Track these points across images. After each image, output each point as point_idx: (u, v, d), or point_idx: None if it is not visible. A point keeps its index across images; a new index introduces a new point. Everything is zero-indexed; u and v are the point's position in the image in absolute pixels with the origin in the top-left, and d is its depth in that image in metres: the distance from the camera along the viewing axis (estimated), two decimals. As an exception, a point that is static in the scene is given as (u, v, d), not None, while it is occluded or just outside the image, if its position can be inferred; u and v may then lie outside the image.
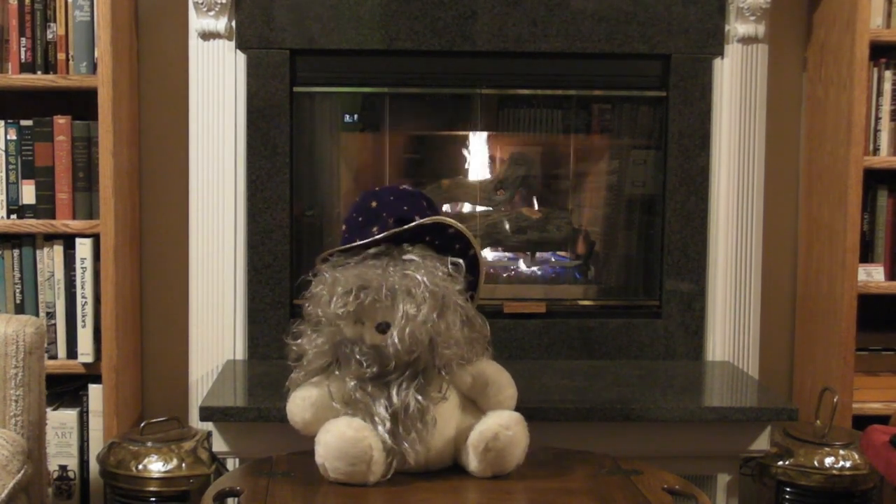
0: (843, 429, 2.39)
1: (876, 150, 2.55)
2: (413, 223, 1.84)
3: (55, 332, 2.45)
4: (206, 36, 2.52)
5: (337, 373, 1.83)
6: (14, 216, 2.44)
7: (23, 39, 2.42)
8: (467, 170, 2.87)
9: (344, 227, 1.92)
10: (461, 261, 1.85)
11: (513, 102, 2.75)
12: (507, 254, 2.89)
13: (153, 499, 2.18)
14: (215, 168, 2.55)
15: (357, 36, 2.55)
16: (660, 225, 2.66)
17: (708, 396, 2.44)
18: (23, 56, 2.42)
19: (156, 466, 2.17)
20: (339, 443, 1.73)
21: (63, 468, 2.49)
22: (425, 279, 1.76)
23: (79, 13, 2.41)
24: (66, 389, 2.52)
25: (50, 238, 2.45)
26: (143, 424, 2.28)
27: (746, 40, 2.58)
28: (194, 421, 2.42)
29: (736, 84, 2.59)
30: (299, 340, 1.86)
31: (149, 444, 2.21)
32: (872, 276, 2.55)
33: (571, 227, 2.86)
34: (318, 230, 2.73)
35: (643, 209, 2.75)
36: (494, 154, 2.87)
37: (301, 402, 1.84)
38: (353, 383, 1.79)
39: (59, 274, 2.44)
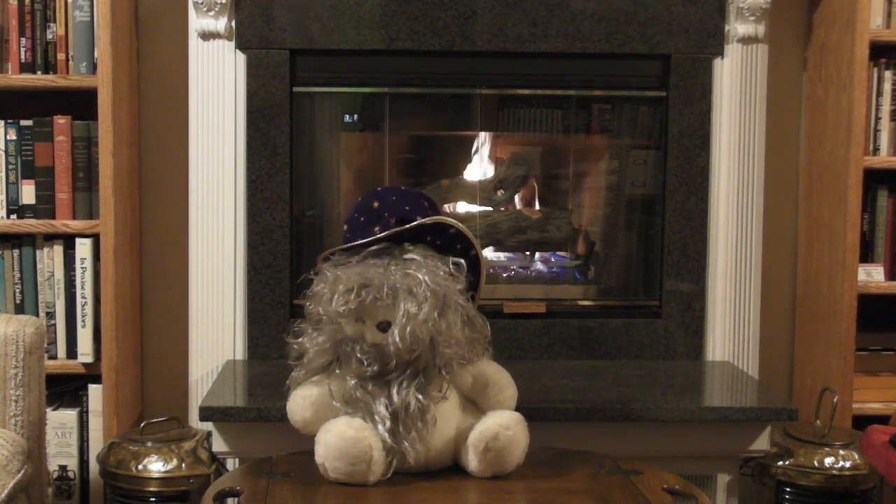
0: (843, 429, 2.39)
1: (876, 150, 2.55)
2: (414, 223, 1.84)
3: (55, 332, 2.45)
4: (206, 36, 2.52)
5: (337, 371, 1.83)
6: (14, 216, 2.44)
7: (23, 39, 2.42)
8: (467, 170, 2.87)
9: (346, 227, 1.92)
10: (462, 261, 1.85)
11: (513, 102, 2.75)
12: (507, 254, 2.89)
13: (153, 499, 2.17)
14: (215, 168, 2.55)
15: (357, 36, 2.55)
16: (660, 225, 2.66)
17: (708, 396, 2.44)
18: (23, 56, 2.42)
19: (156, 466, 2.17)
20: (340, 442, 1.73)
21: (63, 468, 2.49)
22: (427, 278, 1.76)
23: (79, 13, 2.41)
24: (66, 389, 2.52)
25: (50, 238, 2.45)
26: (143, 424, 2.27)
27: (746, 40, 2.58)
28: (194, 421, 2.42)
29: (736, 84, 2.59)
30: (300, 339, 1.86)
31: (149, 444, 2.20)
32: (872, 276, 2.55)
33: (571, 227, 2.86)
34: (318, 230, 2.73)
35: (643, 209, 2.75)
36: (494, 154, 2.87)
37: (301, 401, 1.84)
38: (353, 382, 1.79)
39: (59, 274, 2.44)
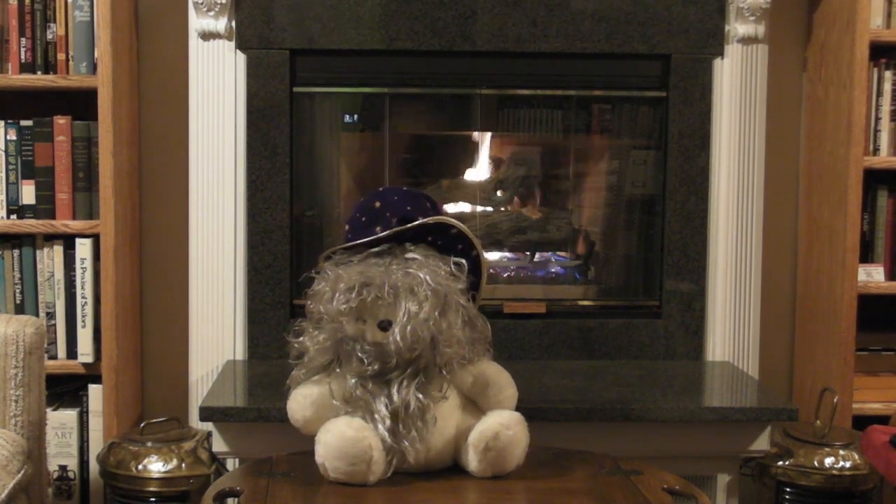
0: (843, 429, 2.39)
1: (876, 151, 2.55)
2: (416, 222, 1.84)
3: (55, 333, 2.45)
4: (206, 36, 2.52)
5: (338, 370, 1.83)
6: (14, 216, 2.44)
7: (23, 39, 2.42)
8: (467, 170, 2.87)
9: (347, 226, 1.92)
10: (463, 261, 1.85)
11: (513, 102, 2.75)
12: (507, 254, 2.89)
13: (153, 499, 2.17)
14: (215, 168, 2.55)
15: (357, 36, 2.55)
16: (660, 225, 2.66)
17: (708, 396, 2.44)
18: (23, 56, 2.42)
19: (156, 467, 2.17)
20: (340, 442, 1.73)
21: (63, 468, 2.49)
22: (428, 277, 1.77)
23: (79, 13, 2.41)
24: (66, 389, 2.52)
25: (50, 238, 2.45)
26: (143, 425, 2.27)
27: (746, 40, 2.58)
28: (194, 421, 2.42)
29: (736, 84, 2.59)
30: (301, 338, 1.86)
31: (149, 444, 2.20)
32: (872, 276, 2.55)
33: (571, 228, 2.87)
34: (318, 230, 2.73)
35: (643, 209, 2.75)
36: (494, 154, 2.87)
37: (302, 400, 1.84)
38: (353, 381, 1.80)
39: (59, 274, 2.44)
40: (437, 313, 1.76)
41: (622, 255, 2.80)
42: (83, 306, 2.43)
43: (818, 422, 2.34)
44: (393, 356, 1.76)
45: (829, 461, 2.22)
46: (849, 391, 2.51)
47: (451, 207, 2.84)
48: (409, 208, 1.87)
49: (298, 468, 1.85)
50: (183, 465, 2.18)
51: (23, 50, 2.42)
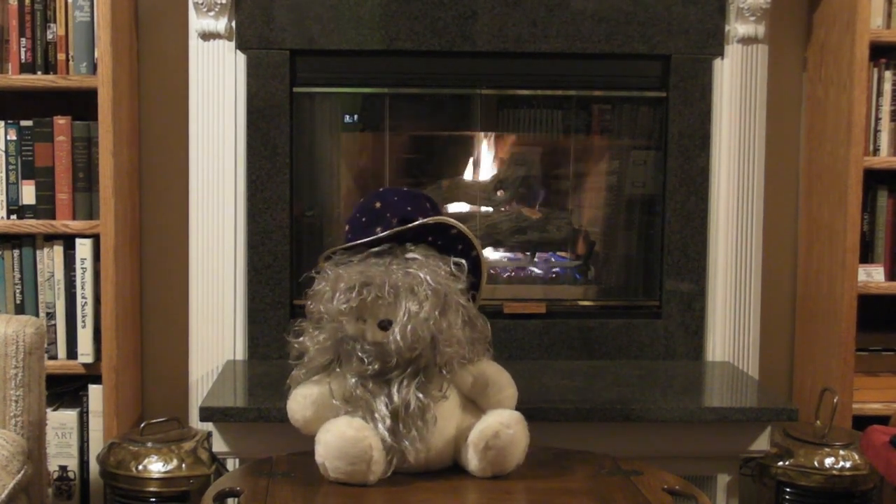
0: (843, 429, 2.39)
1: (876, 151, 2.55)
2: (416, 222, 1.84)
3: (55, 333, 2.45)
4: (206, 36, 2.52)
5: (338, 370, 1.83)
6: (14, 216, 2.44)
7: (23, 40, 2.42)
8: (467, 170, 2.87)
9: (347, 227, 1.92)
10: (463, 261, 1.85)
11: (513, 103, 2.75)
12: (507, 254, 2.89)
13: (153, 499, 2.17)
14: (215, 168, 2.55)
15: (357, 36, 2.55)
16: (660, 225, 2.66)
17: (708, 397, 2.44)
18: (23, 56, 2.42)
19: (156, 467, 2.17)
20: (340, 442, 1.73)
21: (63, 468, 2.49)
22: (428, 277, 1.77)
23: (79, 13, 2.41)
24: (66, 390, 2.52)
25: (50, 238, 2.45)
26: (143, 425, 2.27)
27: (746, 40, 2.58)
28: (194, 421, 2.42)
29: (736, 84, 2.59)
30: (301, 338, 1.86)
31: (149, 444, 2.20)
32: (872, 276, 2.55)
33: (571, 228, 2.87)
34: (318, 230, 2.73)
35: (643, 209, 2.75)
36: (494, 154, 2.87)
37: (302, 400, 1.84)
38: (353, 380, 1.80)
39: (59, 274, 2.44)
40: (437, 313, 1.76)
41: (622, 256, 2.80)
42: (83, 306, 2.43)
43: (818, 422, 2.34)
44: (393, 356, 1.76)
45: (829, 461, 2.22)
46: (849, 391, 2.51)
47: (451, 207, 2.84)
48: (409, 209, 1.87)
49: (298, 468, 1.85)
50: (183, 465, 2.18)
51: (23, 50, 2.42)
